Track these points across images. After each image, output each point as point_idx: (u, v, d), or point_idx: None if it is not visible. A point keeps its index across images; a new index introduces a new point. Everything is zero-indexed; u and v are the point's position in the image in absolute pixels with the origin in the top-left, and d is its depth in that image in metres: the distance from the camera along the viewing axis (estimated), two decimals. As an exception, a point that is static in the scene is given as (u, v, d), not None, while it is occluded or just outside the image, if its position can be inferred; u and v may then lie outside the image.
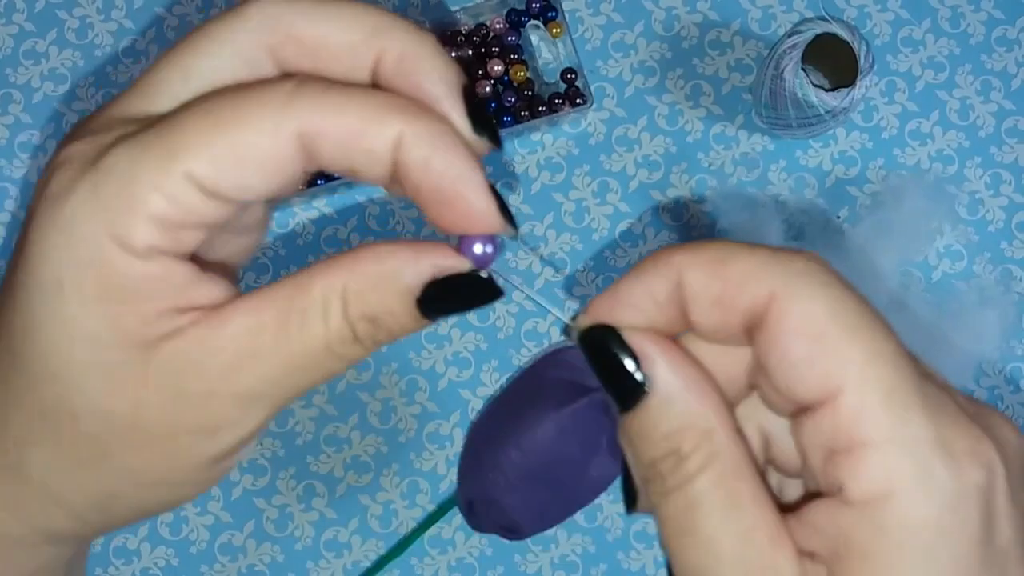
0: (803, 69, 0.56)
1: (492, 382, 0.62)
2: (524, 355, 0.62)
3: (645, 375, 0.23)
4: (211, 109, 0.23)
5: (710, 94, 0.63)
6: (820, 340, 0.22)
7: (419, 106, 0.24)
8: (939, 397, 0.22)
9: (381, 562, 0.61)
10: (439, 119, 0.24)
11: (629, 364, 0.24)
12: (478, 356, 0.62)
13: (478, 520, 0.59)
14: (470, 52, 0.62)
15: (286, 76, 0.24)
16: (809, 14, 0.64)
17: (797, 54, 0.56)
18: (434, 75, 0.25)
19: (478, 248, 0.25)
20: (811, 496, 0.23)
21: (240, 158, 0.23)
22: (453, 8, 0.63)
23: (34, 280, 0.24)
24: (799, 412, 0.23)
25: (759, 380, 0.24)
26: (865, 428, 0.21)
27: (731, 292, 0.23)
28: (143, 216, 0.23)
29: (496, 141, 0.26)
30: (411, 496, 0.61)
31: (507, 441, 0.58)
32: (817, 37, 0.56)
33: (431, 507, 0.61)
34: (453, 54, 0.62)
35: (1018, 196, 0.63)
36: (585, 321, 0.25)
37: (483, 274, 0.25)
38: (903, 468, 0.21)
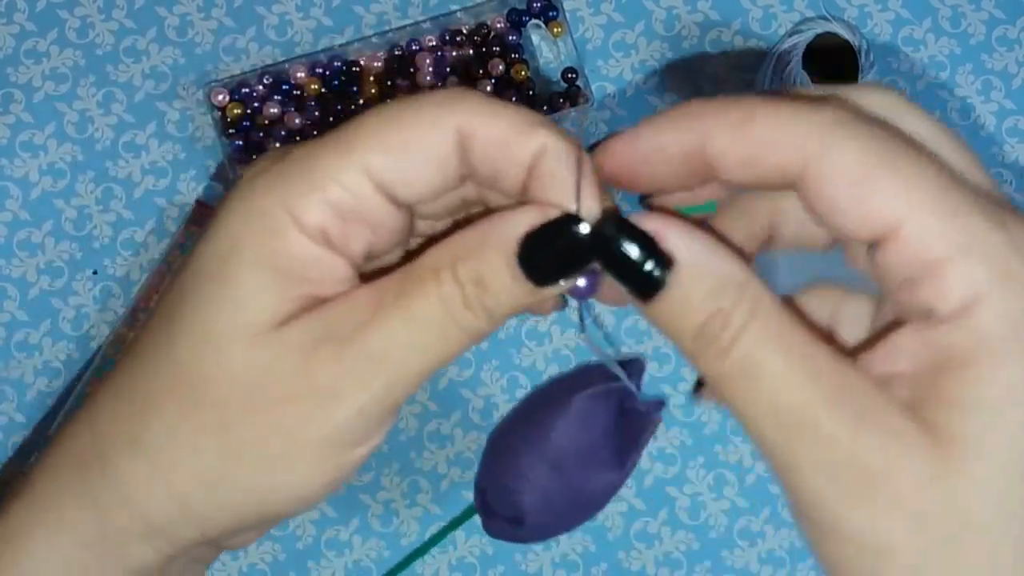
0: (804, 69, 0.56)
1: (492, 381, 0.62)
2: (525, 355, 0.62)
3: (666, 250, 0.24)
4: (383, 110, 0.26)
5: (711, 94, 0.63)
6: (863, 183, 0.22)
7: (558, 129, 0.27)
8: (997, 207, 0.23)
9: (404, 563, 0.61)
10: (578, 144, 0.27)
11: (642, 249, 0.24)
12: (479, 356, 0.62)
13: (489, 513, 0.59)
14: (471, 51, 0.62)
15: (449, 88, 0.27)
16: (810, 13, 0.64)
17: (798, 54, 0.56)
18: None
19: (580, 280, 0.27)
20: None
21: (408, 149, 0.26)
22: (454, 7, 0.63)
23: (212, 245, 0.26)
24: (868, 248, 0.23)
25: (805, 227, 0.26)
26: (935, 248, 0.22)
27: (761, 152, 0.24)
28: (318, 199, 0.26)
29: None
30: (411, 495, 0.61)
31: (524, 429, 0.58)
32: (818, 36, 0.56)
33: (431, 507, 0.61)
34: (453, 53, 0.62)
35: (1018, 196, 0.63)
36: (599, 171, 0.26)
37: (581, 227, 0.26)
38: (984, 273, 0.22)
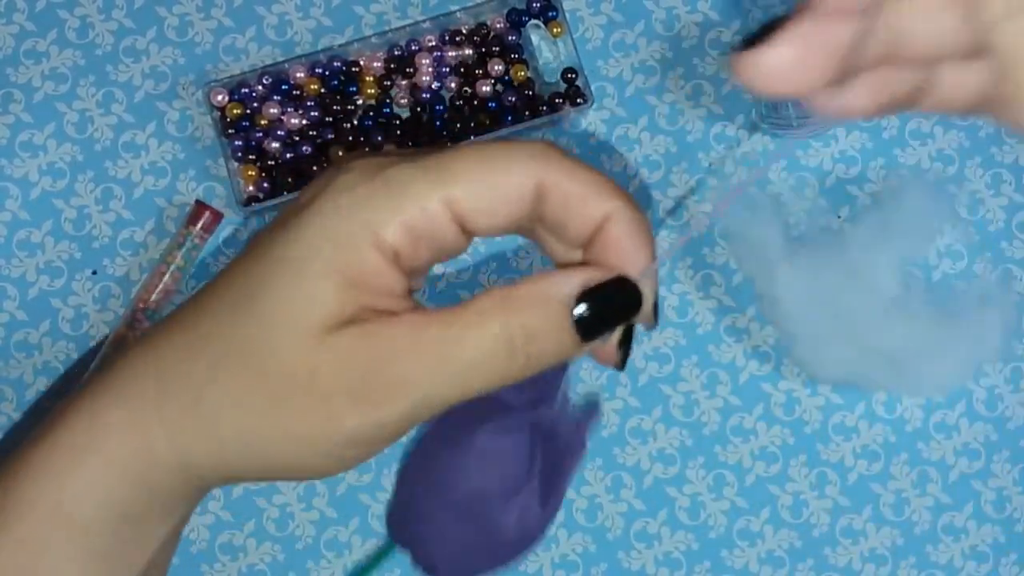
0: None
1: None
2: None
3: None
4: (478, 148, 0.30)
5: (711, 94, 0.63)
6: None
7: (630, 196, 0.30)
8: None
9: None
10: (644, 215, 0.30)
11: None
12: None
13: (407, 552, 0.56)
14: (470, 51, 0.62)
15: (537, 141, 0.31)
16: (810, 14, 0.64)
17: (797, 54, 0.56)
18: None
19: None
20: None
21: (493, 189, 0.29)
22: (453, 7, 0.63)
23: (293, 245, 0.29)
24: None
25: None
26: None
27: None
28: (400, 221, 0.29)
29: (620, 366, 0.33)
30: (411, 495, 0.61)
31: (426, 470, 0.54)
32: None
33: (431, 506, 0.61)
34: (452, 54, 0.62)
35: (1018, 196, 0.63)
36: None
37: (634, 290, 0.29)
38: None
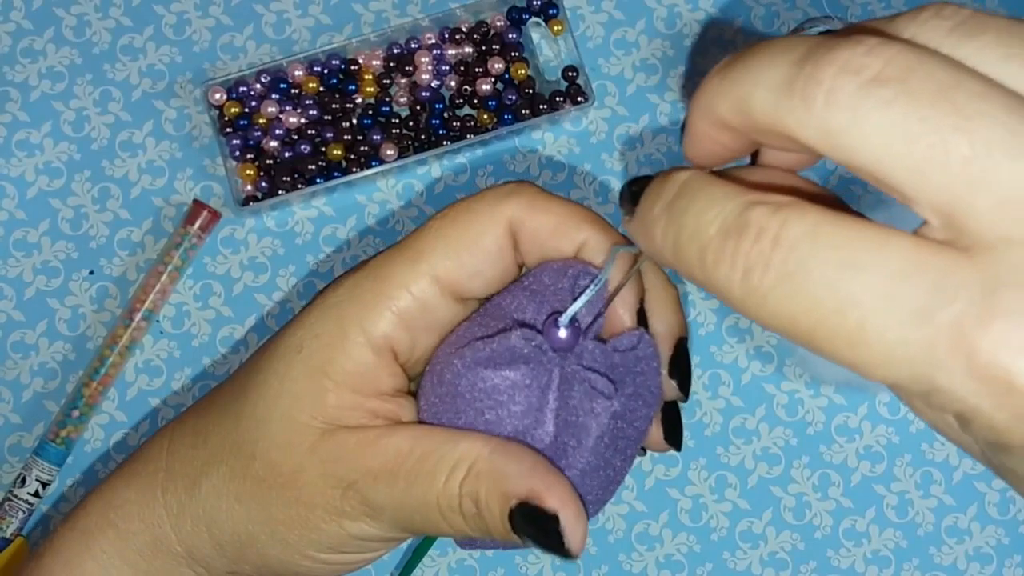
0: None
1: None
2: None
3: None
4: (446, 212, 0.29)
5: (712, 92, 0.63)
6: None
7: (603, 221, 0.29)
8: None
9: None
10: (616, 236, 0.29)
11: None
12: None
13: None
14: (470, 50, 0.62)
15: (503, 183, 0.30)
16: (813, 12, 0.63)
17: (800, 52, 0.56)
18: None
19: (562, 332, 0.28)
20: None
21: (468, 250, 0.28)
22: (453, 5, 0.62)
23: (283, 342, 0.29)
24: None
25: None
26: None
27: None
28: (390, 310, 0.28)
29: (675, 445, 0.32)
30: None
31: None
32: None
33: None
34: (452, 52, 0.62)
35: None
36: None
37: (561, 527, 0.28)
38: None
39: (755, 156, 0.27)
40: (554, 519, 0.27)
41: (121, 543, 0.31)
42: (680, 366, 0.30)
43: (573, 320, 0.28)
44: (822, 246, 0.18)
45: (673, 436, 0.31)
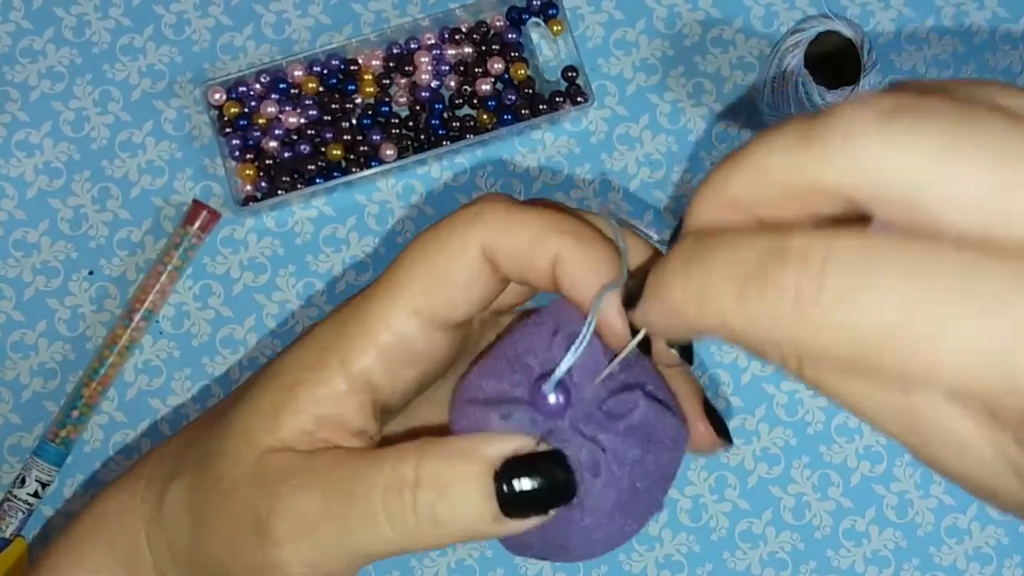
0: (805, 67, 0.56)
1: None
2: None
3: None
4: (417, 243, 0.28)
5: (712, 92, 0.63)
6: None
7: (578, 229, 0.28)
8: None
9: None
10: (592, 243, 0.28)
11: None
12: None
13: None
14: (470, 50, 0.62)
15: (473, 201, 0.29)
16: (812, 11, 0.63)
17: (800, 52, 0.56)
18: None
19: (552, 398, 0.27)
20: None
21: (443, 279, 0.28)
22: (453, 5, 0.62)
23: (272, 364, 0.30)
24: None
25: None
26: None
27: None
28: (372, 346, 0.28)
29: (727, 438, 0.31)
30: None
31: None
32: (820, 35, 0.56)
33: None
34: (452, 52, 0.62)
35: None
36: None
37: (550, 449, 0.26)
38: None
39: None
40: (552, 455, 0.26)
41: (108, 554, 0.32)
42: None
43: (563, 378, 0.27)
44: (873, 261, 0.18)
45: (721, 429, 0.31)
